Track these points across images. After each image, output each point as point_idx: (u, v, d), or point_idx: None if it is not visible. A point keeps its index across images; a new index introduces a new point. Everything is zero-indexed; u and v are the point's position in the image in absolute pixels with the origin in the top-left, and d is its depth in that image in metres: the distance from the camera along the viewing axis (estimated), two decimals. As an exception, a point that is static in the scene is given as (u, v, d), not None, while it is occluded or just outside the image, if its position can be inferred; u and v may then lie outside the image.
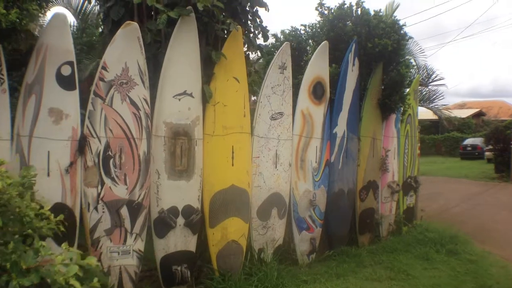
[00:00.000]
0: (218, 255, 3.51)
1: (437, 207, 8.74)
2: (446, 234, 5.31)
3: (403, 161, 5.60)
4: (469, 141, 23.29)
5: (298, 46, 5.49)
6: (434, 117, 33.95)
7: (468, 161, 21.61)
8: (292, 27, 5.71)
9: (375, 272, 4.09)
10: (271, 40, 6.03)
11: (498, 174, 14.35)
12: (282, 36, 5.87)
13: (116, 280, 3.00)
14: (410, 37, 5.98)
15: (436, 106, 8.77)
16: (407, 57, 5.86)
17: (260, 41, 4.06)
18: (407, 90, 5.31)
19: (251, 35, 3.92)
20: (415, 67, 8.22)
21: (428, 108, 8.89)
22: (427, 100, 8.49)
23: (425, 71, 8.17)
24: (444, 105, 8.92)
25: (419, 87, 7.98)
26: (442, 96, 8.48)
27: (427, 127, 33.74)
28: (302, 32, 5.60)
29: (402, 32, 4.91)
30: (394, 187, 5.29)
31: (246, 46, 3.89)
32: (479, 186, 12.92)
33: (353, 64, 4.64)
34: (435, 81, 8.29)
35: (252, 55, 5.23)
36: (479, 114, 31.02)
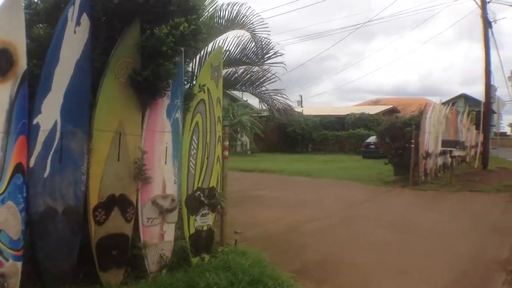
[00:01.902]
0: None
1: (290, 221, 8.86)
2: (253, 272, 4.93)
3: (187, 167, 5.26)
4: (372, 138, 25.31)
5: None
6: (341, 112, 36.73)
7: (371, 160, 23.28)
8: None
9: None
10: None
11: (398, 176, 15.28)
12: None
13: None
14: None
15: (265, 92, 8.69)
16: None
17: None
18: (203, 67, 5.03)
19: None
20: (251, 40, 8.09)
21: (252, 93, 8.81)
22: (252, 84, 8.36)
23: (258, 44, 8.01)
24: (278, 90, 8.88)
25: (248, 66, 7.90)
26: (275, 78, 8.39)
27: (332, 123, 37.49)
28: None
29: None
30: (162, 204, 4.91)
31: None
32: (369, 191, 13.74)
33: (78, 24, 4.12)
34: (271, 58, 8.16)
35: None
36: (392, 111, 34.35)
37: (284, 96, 8.97)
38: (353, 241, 7.41)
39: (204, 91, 5.45)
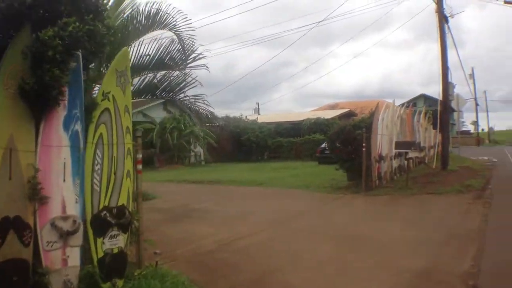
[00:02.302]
0: None
1: (226, 237, 8.75)
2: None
3: (91, 184, 5.02)
4: (328, 144, 25.30)
5: None
6: (297, 118, 37.48)
7: (326, 165, 23.56)
8: None
9: None
10: None
11: (351, 182, 15.39)
12: None
13: None
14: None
15: (185, 98, 8.55)
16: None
17: None
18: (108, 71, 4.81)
19: None
20: (175, 41, 7.91)
21: (172, 100, 8.66)
22: (172, 90, 8.17)
23: (182, 45, 7.83)
24: (198, 95, 8.76)
25: (168, 70, 7.71)
26: (196, 83, 8.23)
27: (288, 129, 38.22)
28: None
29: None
30: (62, 226, 4.66)
31: None
32: (317, 200, 13.78)
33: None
34: (196, 60, 8.01)
35: None
36: (349, 115, 35.36)
37: (205, 102, 8.81)
38: (292, 259, 7.13)
39: (108, 99, 5.24)
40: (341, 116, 36.01)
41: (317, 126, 35.18)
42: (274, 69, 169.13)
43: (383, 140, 16.14)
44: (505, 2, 21.72)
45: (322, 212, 11.89)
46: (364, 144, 14.21)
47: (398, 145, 15.64)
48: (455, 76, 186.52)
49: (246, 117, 43.06)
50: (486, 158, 33.34)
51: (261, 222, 10.22)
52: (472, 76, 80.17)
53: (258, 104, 74.80)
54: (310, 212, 11.75)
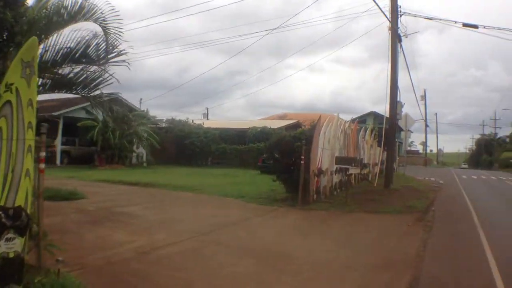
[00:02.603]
0: None
1: (142, 245, 8.59)
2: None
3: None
4: (271, 153, 25.63)
5: None
6: (243, 126, 38.01)
7: (267, 175, 23.83)
8: None
9: None
10: None
11: (290, 194, 15.50)
12: None
13: None
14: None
15: (100, 96, 8.35)
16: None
17: None
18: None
19: None
20: (99, 35, 7.71)
21: (86, 97, 8.46)
22: (87, 86, 7.97)
23: (107, 38, 7.65)
24: (113, 93, 8.60)
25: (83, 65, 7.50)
26: (110, 80, 8.04)
27: (233, 136, 38.68)
28: None
29: None
30: None
31: None
32: (250, 211, 13.76)
33: None
34: (120, 55, 7.82)
35: None
36: (296, 126, 36.32)
37: (124, 100, 8.63)
38: (208, 274, 6.97)
39: (11, 91, 5.01)
40: (288, 127, 36.48)
41: (263, 135, 35.41)
42: (230, 76, 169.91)
43: (324, 154, 16.34)
44: (464, 25, 22.56)
45: (251, 224, 11.83)
46: (302, 157, 14.33)
47: (339, 160, 15.89)
48: (407, 98, 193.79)
49: (193, 121, 42.95)
50: (433, 179, 34.52)
51: (186, 231, 10.07)
52: (424, 97, 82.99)
53: (207, 109, 74.95)
54: (239, 224, 11.66)
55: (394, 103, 20.48)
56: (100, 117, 31.74)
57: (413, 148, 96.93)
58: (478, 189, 27.63)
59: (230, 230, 10.77)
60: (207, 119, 67.70)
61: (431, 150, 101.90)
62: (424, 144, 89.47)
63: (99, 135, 31.17)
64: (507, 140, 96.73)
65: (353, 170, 15.98)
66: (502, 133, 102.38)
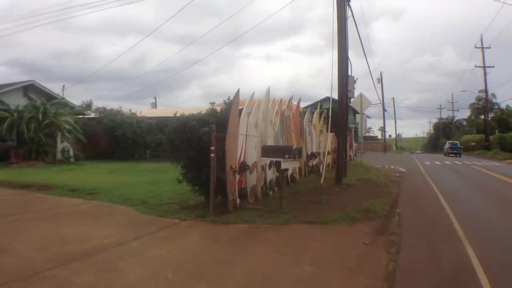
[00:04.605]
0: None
1: None
2: None
3: None
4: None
5: None
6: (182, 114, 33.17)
7: None
8: None
9: None
10: None
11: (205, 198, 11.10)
12: None
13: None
14: None
15: None
16: None
17: None
18: None
19: None
20: None
21: None
22: None
23: None
24: None
25: None
26: None
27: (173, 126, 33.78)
28: None
29: None
30: None
31: None
32: (135, 226, 9.71)
33: None
34: None
35: None
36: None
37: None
38: None
39: None
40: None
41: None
42: (186, 67, 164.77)
43: (250, 143, 11.80)
44: None
45: (121, 255, 7.31)
46: (212, 148, 9.74)
47: (266, 151, 11.21)
48: (362, 84, 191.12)
49: (130, 110, 37.45)
50: (393, 167, 30.31)
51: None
52: (380, 80, 79.63)
53: (155, 98, 69.57)
54: (102, 254, 7.25)
55: (344, 76, 15.73)
56: (14, 107, 26.88)
57: (371, 134, 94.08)
58: (448, 179, 22.72)
59: (75, 269, 6.36)
60: (156, 108, 62.51)
61: (389, 136, 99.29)
62: (383, 129, 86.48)
63: (10, 128, 26.08)
64: (464, 123, 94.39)
65: (289, 164, 11.35)
66: (460, 116, 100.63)
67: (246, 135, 11.52)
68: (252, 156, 11.85)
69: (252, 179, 11.97)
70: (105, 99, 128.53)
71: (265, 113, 12.89)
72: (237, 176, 10.99)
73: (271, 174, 13.25)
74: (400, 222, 10.27)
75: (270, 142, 13.34)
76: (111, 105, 37.40)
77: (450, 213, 11.63)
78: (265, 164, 12.62)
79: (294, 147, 11.65)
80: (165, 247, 7.84)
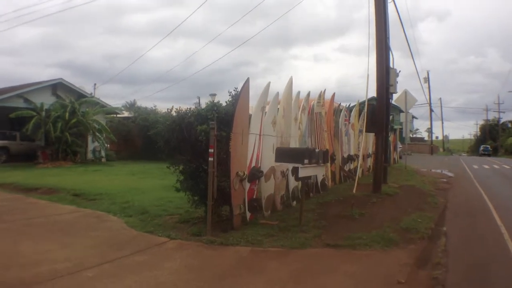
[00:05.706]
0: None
1: None
2: None
3: None
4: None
5: None
6: None
7: None
8: None
9: None
10: None
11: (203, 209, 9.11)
12: None
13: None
14: None
15: None
16: None
17: None
18: None
19: None
20: None
21: None
22: None
23: None
24: None
25: None
26: None
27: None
28: None
29: None
30: None
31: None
32: (112, 246, 7.94)
33: None
34: None
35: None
36: None
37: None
38: None
39: None
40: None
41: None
42: (235, 68, 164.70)
43: (265, 145, 9.61)
44: None
45: (61, 287, 5.29)
46: (211, 150, 7.63)
47: (280, 154, 8.92)
48: (408, 86, 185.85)
49: (168, 109, 35.64)
50: (439, 171, 27.45)
51: None
52: (427, 80, 75.61)
53: (199, 98, 68.08)
54: (38, 285, 5.36)
55: (384, 67, 13.17)
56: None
57: (418, 136, 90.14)
58: (500, 187, 19.86)
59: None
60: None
61: (436, 137, 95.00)
62: (430, 130, 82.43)
63: (37, 128, 24.81)
64: (509, 125, 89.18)
65: (310, 171, 9.07)
66: (506, 117, 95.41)
67: (260, 135, 9.35)
68: (269, 160, 9.67)
69: (268, 187, 9.80)
70: (150, 100, 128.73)
71: (286, 109, 10.64)
72: (247, 185, 8.86)
73: (294, 182, 11.02)
74: (447, 247, 7.91)
75: (294, 144, 11.13)
76: (159, 106, 35.89)
77: (505, 233, 9.14)
78: (287, 169, 10.44)
79: (317, 150, 9.32)
80: (126, 280, 5.78)
